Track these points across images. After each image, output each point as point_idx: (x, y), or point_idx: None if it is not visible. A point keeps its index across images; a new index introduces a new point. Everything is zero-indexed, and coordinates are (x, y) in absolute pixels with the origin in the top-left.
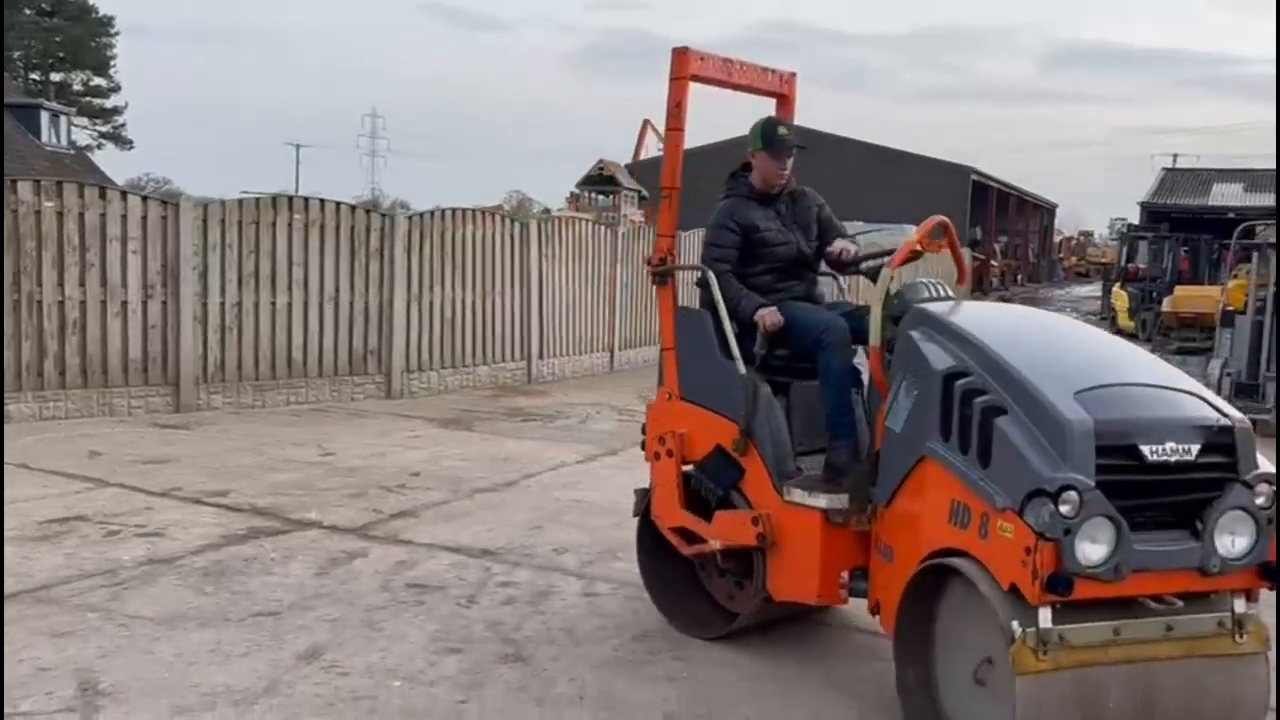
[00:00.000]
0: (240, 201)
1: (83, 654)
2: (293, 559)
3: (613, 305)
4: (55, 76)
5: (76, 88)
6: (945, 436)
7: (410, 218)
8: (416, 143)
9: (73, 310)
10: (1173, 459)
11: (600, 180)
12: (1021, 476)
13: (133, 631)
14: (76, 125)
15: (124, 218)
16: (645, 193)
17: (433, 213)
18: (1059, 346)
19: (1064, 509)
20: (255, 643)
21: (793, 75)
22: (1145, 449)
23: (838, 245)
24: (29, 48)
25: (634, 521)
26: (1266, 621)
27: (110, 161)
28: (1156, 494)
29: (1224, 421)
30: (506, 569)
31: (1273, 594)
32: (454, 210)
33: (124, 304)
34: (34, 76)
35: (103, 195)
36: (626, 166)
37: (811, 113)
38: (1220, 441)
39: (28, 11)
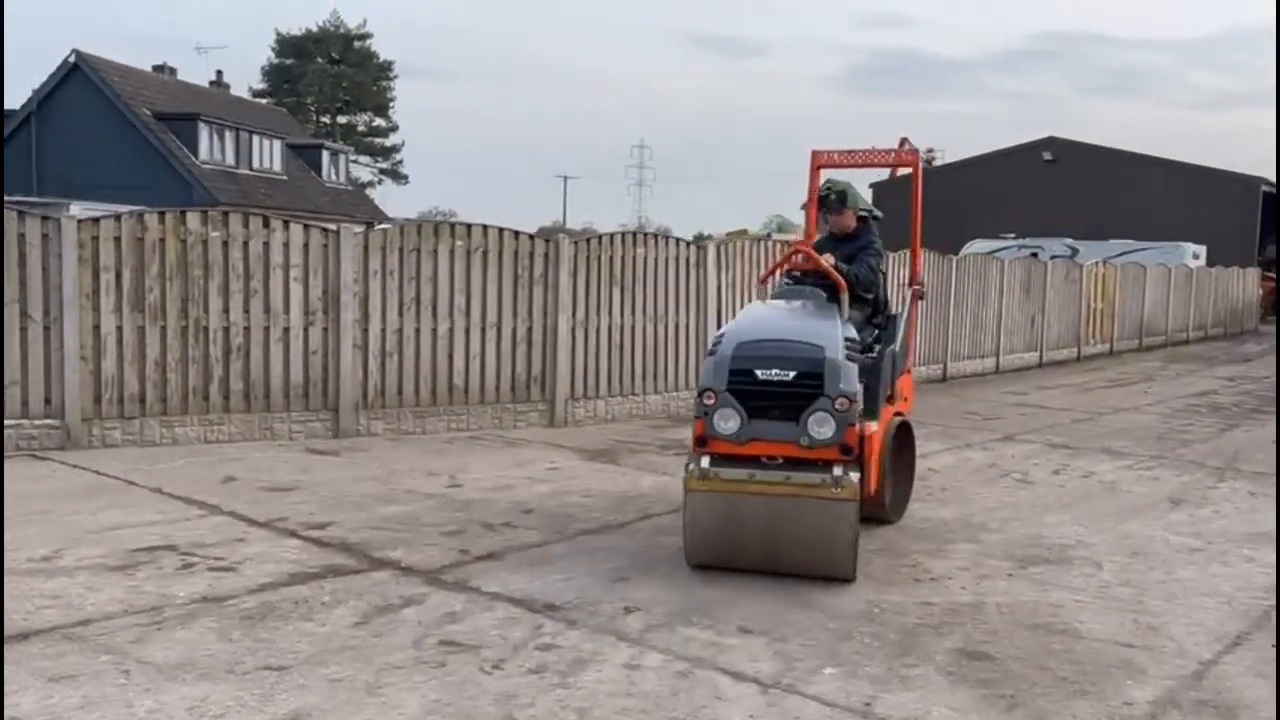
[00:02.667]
0: (402, 228)
1: (64, 703)
2: (343, 603)
3: None
4: (341, 119)
5: (360, 129)
6: None
7: (576, 242)
8: (682, 170)
9: (237, 335)
10: (775, 378)
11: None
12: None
13: (129, 680)
14: (359, 163)
15: (286, 245)
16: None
17: (600, 237)
18: (769, 321)
19: (706, 400)
20: (240, 702)
21: (915, 151)
22: (758, 372)
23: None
24: (319, 93)
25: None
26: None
27: (388, 196)
28: (768, 399)
29: (816, 360)
30: (559, 628)
31: None
32: (623, 234)
33: (286, 330)
34: (323, 119)
35: (266, 224)
36: (876, 185)
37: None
38: (813, 371)
39: (319, 60)
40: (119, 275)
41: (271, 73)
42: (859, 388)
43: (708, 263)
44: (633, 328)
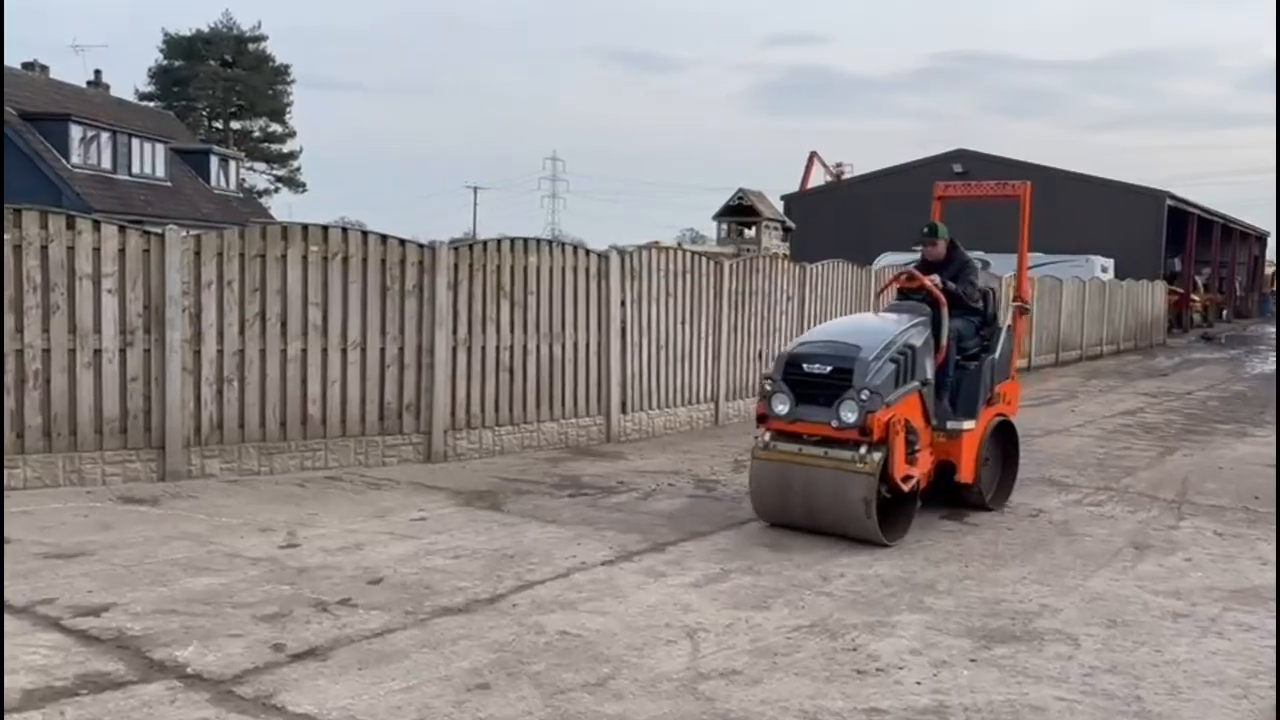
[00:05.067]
0: (242, 231)
1: None
2: None
3: (718, 349)
4: (235, 124)
5: (255, 134)
6: None
7: (457, 248)
8: (596, 184)
9: (33, 360)
10: (816, 371)
11: (740, 210)
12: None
13: None
14: (254, 170)
15: (97, 251)
16: (790, 224)
17: (484, 243)
18: (838, 326)
19: (766, 386)
20: None
21: (1027, 183)
22: (805, 365)
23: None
24: (212, 96)
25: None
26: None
27: (289, 206)
28: (812, 388)
29: (849, 358)
30: None
31: None
32: (511, 240)
33: (97, 352)
34: (215, 124)
35: (70, 225)
36: (787, 197)
37: (989, 140)
38: (844, 367)
39: (211, 62)
40: None
41: (159, 75)
42: (888, 382)
43: (611, 273)
44: (524, 347)
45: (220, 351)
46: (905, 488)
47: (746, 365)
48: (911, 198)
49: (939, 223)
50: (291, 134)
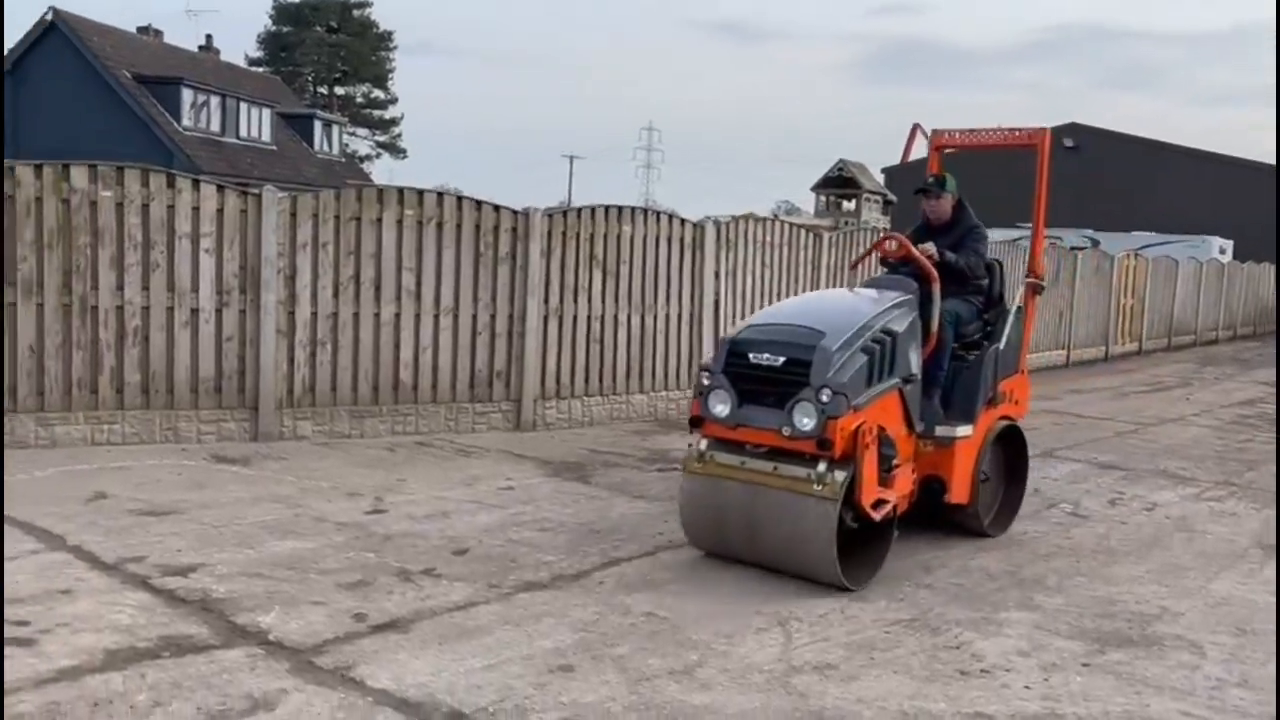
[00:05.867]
0: (338, 193)
1: None
2: (160, 707)
3: None
4: (339, 90)
5: (358, 100)
6: None
7: (551, 215)
8: (691, 155)
9: (133, 317)
10: (765, 363)
11: (839, 182)
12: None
13: None
14: (356, 136)
15: (196, 210)
16: (892, 197)
17: (579, 210)
18: (797, 306)
19: (703, 380)
20: None
21: (1044, 130)
22: (751, 355)
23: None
24: (317, 62)
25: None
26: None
27: (389, 171)
28: (760, 384)
29: (807, 347)
30: None
31: None
32: (605, 207)
33: (194, 311)
34: (320, 90)
35: (171, 183)
36: (889, 170)
37: (1099, 115)
38: (801, 359)
39: (317, 28)
40: None
41: (267, 40)
42: (857, 378)
43: (705, 243)
44: (615, 317)
45: (314, 314)
46: (877, 516)
47: None
48: (1017, 173)
49: (949, 176)
50: (393, 100)
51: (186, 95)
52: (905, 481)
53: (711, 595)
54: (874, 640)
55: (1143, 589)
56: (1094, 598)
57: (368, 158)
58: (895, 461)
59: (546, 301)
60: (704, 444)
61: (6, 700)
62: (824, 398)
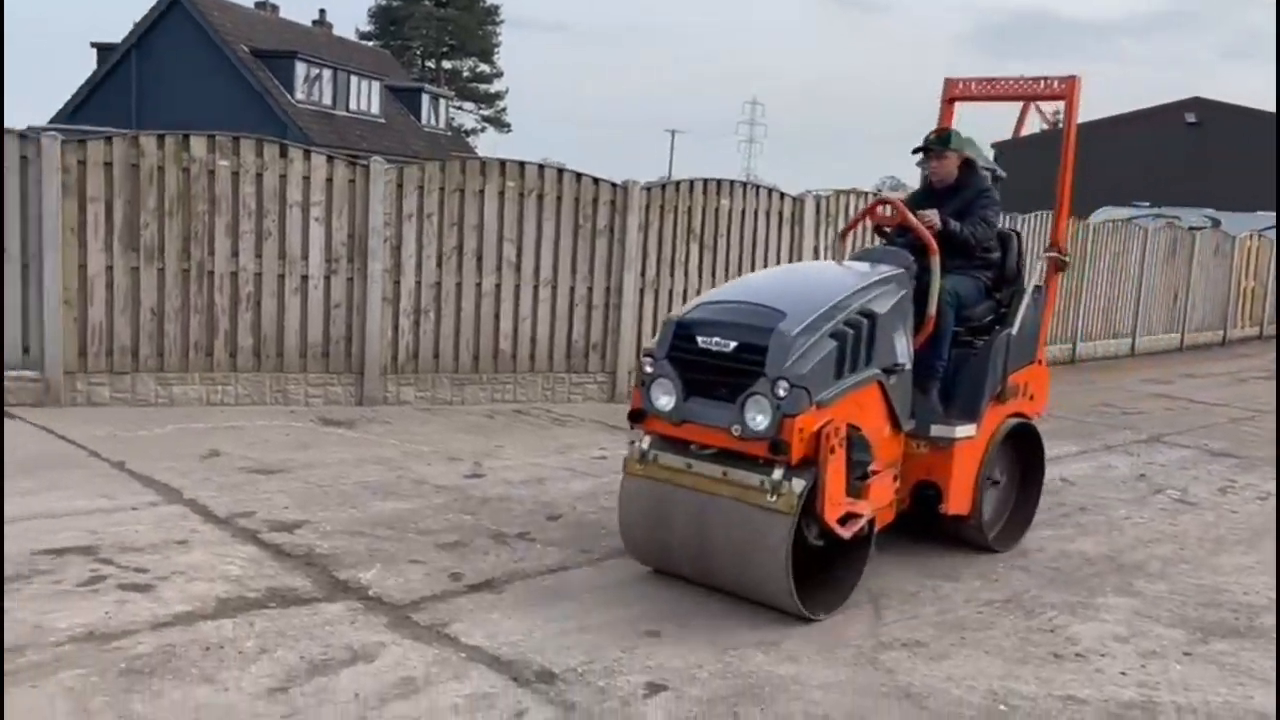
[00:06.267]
0: (443, 165)
1: None
2: (267, 654)
3: None
4: (446, 64)
5: (465, 74)
6: None
7: (649, 188)
8: (795, 130)
9: (247, 283)
10: (715, 348)
11: None
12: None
13: None
14: (462, 109)
15: (306, 179)
16: (1001, 173)
17: (677, 184)
18: (761, 281)
19: (646, 368)
20: None
21: (1073, 78)
22: (699, 339)
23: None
24: (425, 36)
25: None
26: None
27: (489, 145)
28: (708, 372)
29: (763, 330)
30: (551, 718)
31: None
32: (704, 180)
33: (304, 278)
34: (428, 64)
35: (284, 153)
36: (999, 145)
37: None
38: (755, 344)
39: (426, 2)
40: (110, 207)
41: (378, 14)
42: (822, 367)
43: (805, 218)
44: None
45: (418, 283)
46: (845, 533)
47: None
48: (1137, 149)
49: (955, 131)
50: (499, 74)
51: (300, 69)
52: (884, 490)
53: None
54: (965, 620)
55: (1251, 579)
56: (1198, 586)
57: (472, 131)
58: (872, 467)
59: (643, 274)
60: (647, 442)
61: (127, 640)
62: (780, 391)
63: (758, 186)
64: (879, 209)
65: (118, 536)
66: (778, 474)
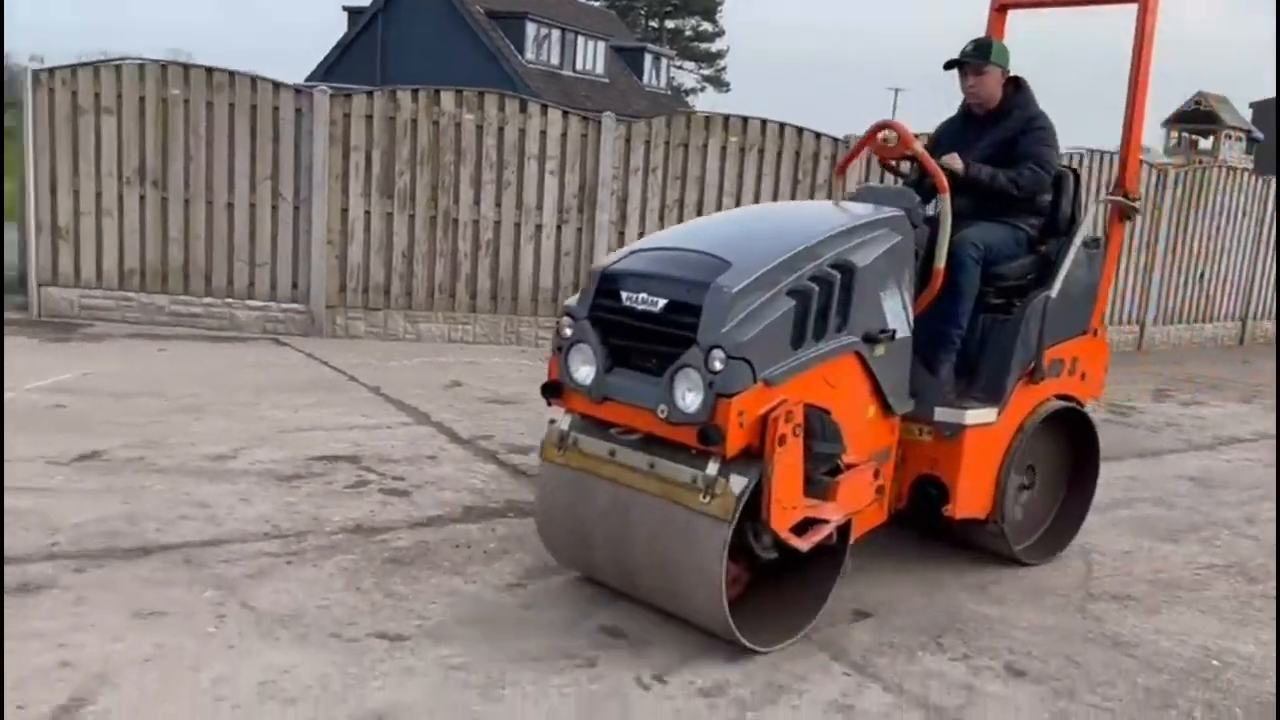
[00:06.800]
0: (669, 119)
1: (132, 649)
2: (508, 554)
3: (1149, 267)
4: (669, 23)
5: (687, 34)
6: None
7: None
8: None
9: (487, 230)
10: (639, 306)
11: (1195, 117)
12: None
13: (218, 631)
14: (683, 69)
15: (543, 134)
16: (1258, 134)
17: None
18: (696, 223)
19: (564, 330)
20: (323, 683)
21: None
22: (624, 294)
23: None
24: None
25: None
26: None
27: (708, 104)
28: (634, 337)
29: (698, 285)
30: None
31: None
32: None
33: (538, 227)
34: (652, 23)
35: (523, 108)
36: (1257, 105)
37: None
38: (687, 302)
39: None
40: (369, 157)
41: None
42: (771, 334)
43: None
44: None
45: (641, 234)
46: (803, 543)
47: (1184, 287)
48: None
49: (994, 41)
50: (720, 33)
51: (530, 29)
52: (860, 488)
53: None
54: (1180, 580)
55: None
56: None
57: (692, 91)
58: (839, 460)
59: None
60: (566, 422)
61: (389, 534)
62: (715, 364)
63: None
64: (880, 136)
65: (377, 449)
66: (713, 469)
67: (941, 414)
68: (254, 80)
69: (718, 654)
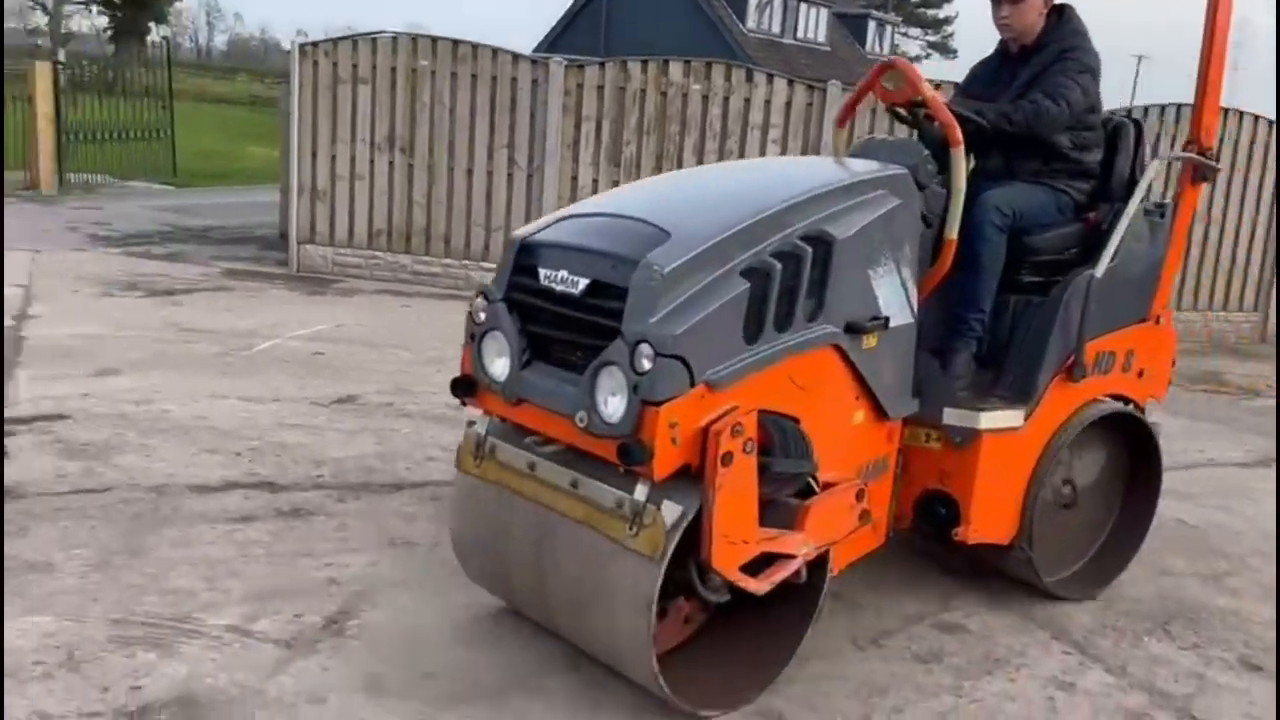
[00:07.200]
0: None
1: (358, 575)
2: None
3: None
4: None
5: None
6: None
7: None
8: None
9: None
10: (558, 288)
11: None
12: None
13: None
14: (908, 36)
15: (767, 103)
16: None
17: (1146, 110)
18: (641, 184)
19: (479, 315)
20: None
21: None
22: (542, 272)
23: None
24: None
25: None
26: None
27: (933, 72)
28: (554, 325)
29: (626, 261)
30: None
31: None
32: (1161, 107)
33: None
34: None
35: (749, 78)
36: None
37: None
38: (611, 282)
39: None
40: (599, 126)
41: None
42: (717, 324)
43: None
44: None
45: None
46: (758, 586)
47: None
48: None
49: None
50: None
51: None
52: (838, 515)
53: (1251, 515)
54: None
55: None
56: None
57: (917, 58)
58: (809, 475)
59: None
60: (484, 426)
61: None
62: (641, 363)
63: (1240, 113)
64: (884, 78)
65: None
66: (641, 492)
67: (951, 416)
68: (495, 52)
69: (928, 623)
